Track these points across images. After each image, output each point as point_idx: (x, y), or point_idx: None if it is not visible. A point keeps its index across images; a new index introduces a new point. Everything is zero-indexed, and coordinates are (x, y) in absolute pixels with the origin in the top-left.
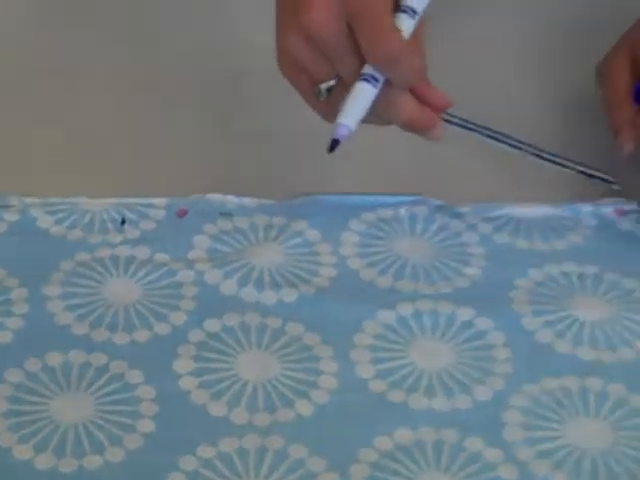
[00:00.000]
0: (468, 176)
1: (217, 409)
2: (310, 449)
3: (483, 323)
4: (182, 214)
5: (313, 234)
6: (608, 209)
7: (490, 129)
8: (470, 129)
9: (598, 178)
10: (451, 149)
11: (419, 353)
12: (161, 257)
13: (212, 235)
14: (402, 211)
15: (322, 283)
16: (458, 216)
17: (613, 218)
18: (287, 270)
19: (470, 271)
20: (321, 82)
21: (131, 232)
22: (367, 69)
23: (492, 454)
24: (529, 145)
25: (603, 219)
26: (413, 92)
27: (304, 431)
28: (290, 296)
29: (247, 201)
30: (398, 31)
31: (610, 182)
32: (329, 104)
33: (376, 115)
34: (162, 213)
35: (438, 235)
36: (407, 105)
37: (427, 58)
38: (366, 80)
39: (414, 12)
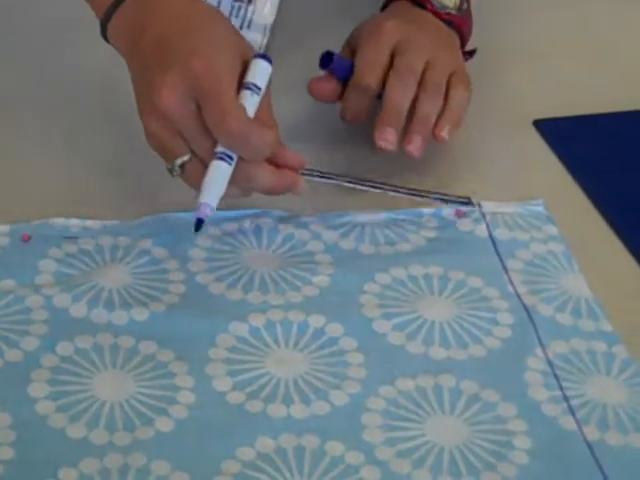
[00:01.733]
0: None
1: (76, 431)
2: (172, 465)
3: (334, 329)
4: (26, 239)
5: (159, 252)
6: (448, 211)
7: (345, 176)
8: (328, 178)
9: (455, 202)
10: None
11: (274, 363)
12: (8, 283)
13: (58, 259)
14: (246, 224)
15: (172, 300)
16: (303, 225)
17: (453, 219)
18: (136, 289)
19: (318, 279)
20: (177, 157)
21: None
22: (220, 147)
23: (353, 457)
24: (384, 184)
25: (444, 220)
26: (270, 157)
27: (165, 447)
28: (141, 315)
29: (91, 223)
30: (242, 109)
31: (466, 203)
32: (185, 178)
33: (239, 188)
34: (6, 240)
35: (284, 246)
36: (265, 176)
37: None
38: (221, 158)
39: (258, 88)
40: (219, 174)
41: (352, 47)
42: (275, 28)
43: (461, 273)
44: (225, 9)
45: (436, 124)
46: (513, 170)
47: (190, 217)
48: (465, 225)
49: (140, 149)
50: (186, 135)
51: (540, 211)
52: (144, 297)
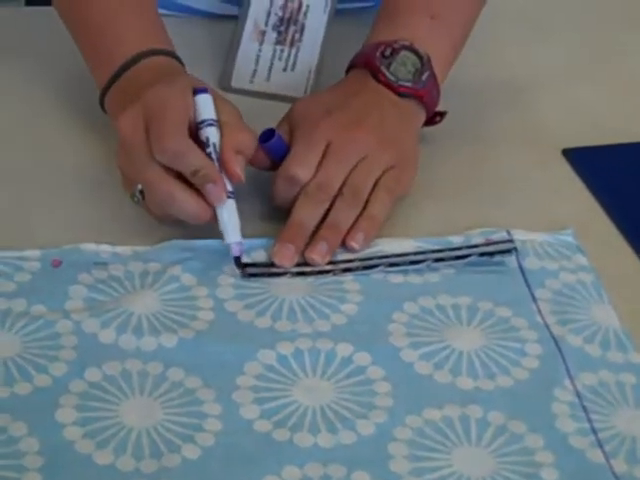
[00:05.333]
0: None
1: (103, 458)
2: None
3: (362, 358)
4: (57, 264)
5: (189, 278)
6: (479, 239)
7: (388, 256)
8: (370, 267)
9: (499, 252)
10: None
11: (301, 391)
12: (38, 309)
13: (88, 285)
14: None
15: (201, 326)
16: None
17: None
18: (165, 315)
19: (346, 307)
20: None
21: (6, 285)
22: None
23: None
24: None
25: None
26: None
27: (191, 475)
28: (170, 341)
29: (121, 249)
30: (181, 130)
31: (508, 249)
32: (144, 205)
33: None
34: (37, 265)
35: (313, 274)
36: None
37: None
38: (229, 197)
39: (214, 120)
40: (231, 211)
41: (291, 126)
42: (320, 71)
43: (490, 303)
44: (267, 52)
45: (349, 231)
46: (542, 199)
47: (219, 244)
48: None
49: None
50: (138, 160)
51: (570, 241)
52: (173, 323)
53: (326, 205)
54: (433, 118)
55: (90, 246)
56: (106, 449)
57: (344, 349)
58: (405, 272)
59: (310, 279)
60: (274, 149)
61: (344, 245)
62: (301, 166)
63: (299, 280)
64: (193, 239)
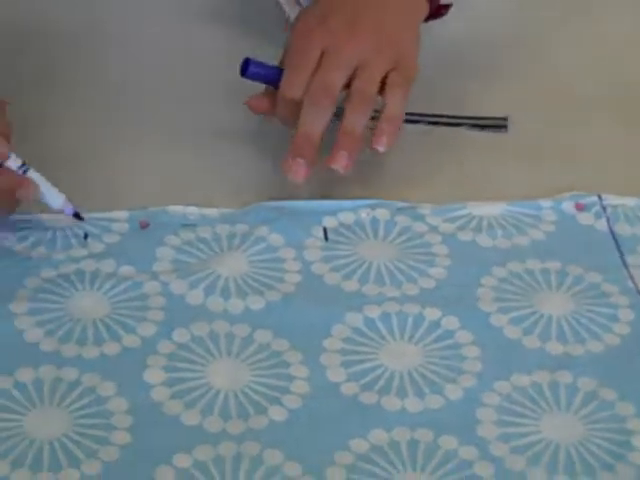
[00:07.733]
0: (424, 177)
1: (191, 418)
2: (285, 454)
3: (450, 322)
4: (144, 226)
5: (276, 239)
6: (568, 204)
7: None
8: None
9: (491, 127)
10: (406, 151)
11: (389, 355)
12: (126, 269)
13: (175, 246)
14: (363, 215)
15: (288, 289)
16: (419, 217)
17: (573, 213)
18: (252, 277)
19: (435, 271)
20: None
21: (95, 246)
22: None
23: (467, 452)
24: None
25: (563, 214)
26: None
27: (278, 436)
28: (257, 303)
29: (208, 211)
30: None
31: (502, 126)
32: None
33: None
34: (125, 226)
35: (401, 237)
36: None
37: None
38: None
39: None
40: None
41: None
42: None
43: (580, 268)
44: None
45: (373, 135)
46: (634, 163)
47: (307, 205)
48: (585, 219)
49: (254, 140)
50: None
51: None
52: (260, 286)
53: (330, 111)
54: (438, 10)
55: (177, 208)
56: (193, 410)
57: (432, 313)
58: (494, 236)
59: (397, 239)
60: (264, 77)
61: (372, 149)
62: (290, 85)
63: (386, 243)
64: (279, 200)
